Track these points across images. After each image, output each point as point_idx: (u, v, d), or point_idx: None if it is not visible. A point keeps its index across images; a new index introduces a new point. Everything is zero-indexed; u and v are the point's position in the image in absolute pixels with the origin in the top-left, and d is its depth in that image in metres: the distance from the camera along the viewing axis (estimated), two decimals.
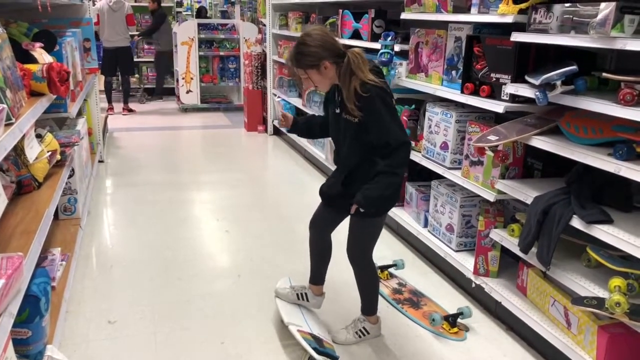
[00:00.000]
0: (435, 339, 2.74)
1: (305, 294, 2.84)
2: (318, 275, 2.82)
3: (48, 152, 2.73)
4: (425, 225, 3.55)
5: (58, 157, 2.89)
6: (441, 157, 3.25)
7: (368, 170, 2.32)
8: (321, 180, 5.29)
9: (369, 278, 2.67)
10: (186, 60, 8.62)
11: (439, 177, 3.36)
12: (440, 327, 2.78)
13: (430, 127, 3.36)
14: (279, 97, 6.82)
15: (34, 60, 2.73)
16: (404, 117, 3.62)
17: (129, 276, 3.29)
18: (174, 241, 3.76)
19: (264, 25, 7.26)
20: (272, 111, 7.18)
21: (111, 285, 3.19)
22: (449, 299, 3.08)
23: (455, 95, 3.08)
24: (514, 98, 2.66)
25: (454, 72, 3.17)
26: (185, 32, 8.58)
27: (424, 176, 3.75)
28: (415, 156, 3.55)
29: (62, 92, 2.53)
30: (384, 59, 3.60)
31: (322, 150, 5.43)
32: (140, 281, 3.20)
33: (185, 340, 2.65)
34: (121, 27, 8.18)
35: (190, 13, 9.83)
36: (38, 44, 2.83)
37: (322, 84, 2.36)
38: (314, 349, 2.41)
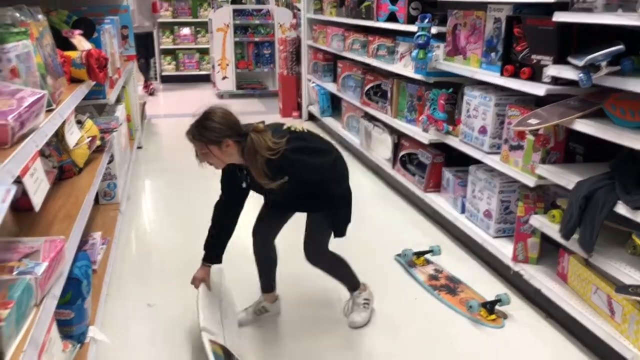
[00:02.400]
0: (472, 325, 2.70)
1: (263, 307, 2.76)
2: (268, 283, 2.77)
3: (88, 138, 2.78)
4: (463, 211, 3.50)
5: (98, 142, 2.95)
6: (479, 142, 3.19)
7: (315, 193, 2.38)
8: (356, 166, 5.29)
9: (337, 267, 2.69)
10: (222, 46, 8.66)
11: (476, 162, 3.30)
12: (477, 314, 2.74)
13: (468, 111, 3.29)
14: (313, 82, 6.80)
15: (73, 48, 2.77)
16: (441, 101, 3.55)
17: (167, 261, 3.34)
18: None
19: (299, 10, 7.22)
20: (307, 97, 7.17)
21: (150, 270, 3.25)
22: (487, 286, 3.03)
23: (494, 77, 3.00)
24: (555, 80, 2.58)
25: (493, 54, 3.08)
26: (220, 18, 8.61)
27: (461, 161, 3.69)
28: (452, 141, 3.49)
29: (101, 78, 2.57)
30: (420, 42, 3.54)
31: (357, 135, 5.39)
32: (178, 266, 3.24)
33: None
34: (147, 13, 8.67)
35: None
36: (77, 31, 2.88)
37: (220, 160, 2.27)
38: None
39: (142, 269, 3.27)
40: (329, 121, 6.38)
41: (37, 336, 1.45)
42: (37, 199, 1.53)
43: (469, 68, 3.30)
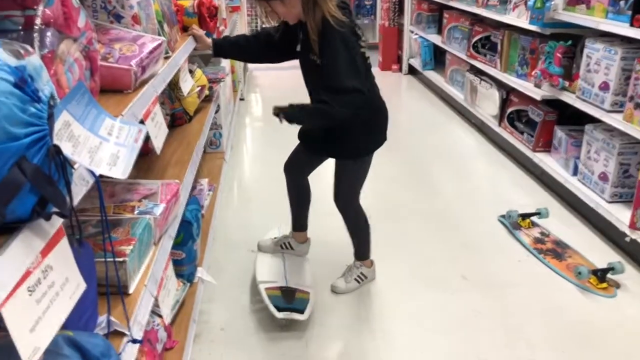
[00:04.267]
0: (580, 293, 2.57)
1: (289, 242, 2.78)
2: (299, 221, 2.73)
3: (198, 87, 2.86)
4: (575, 173, 3.29)
5: (206, 92, 3.02)
6: (600, 99, 2.95)
7: None
8: (458, 122, 5.12)
9: (358, 224, 2.57)
10: None
11: (593, 120, 3.07)
12: (586, 281, 2.59)
13: (588, 65, 3.04)
14: (416, 34, 6.58)
15: None
16: (558, 54, 3.31)
17: (267, 208, 3.43)
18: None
19: None
20: (408, 49, 6.96)
21: (251, 216, 3.36)
22: (598, 253, 2.86)
23: (622, 29, 2.74)
24: None
25: (622, 3, 2.80)
26: None
27: (575, 120, 3.45)
28: (568, 97, 3.26)
29: (211, 27, 2.61)
30: None
31: (461, 90, 5.19)
32: (278, 214, 3.31)
33: (315, 273, 2.72)
34: None
35: None
36: None
37: (288, 16, 2.14)
38: (276, 306, 2.36)
39: (244, 215, 3.38)
40: (431, 75, 6.17)
41: (156, 272, 1.54)
42: (157, 143, 1.59)
43: (592, 18, 3.03)
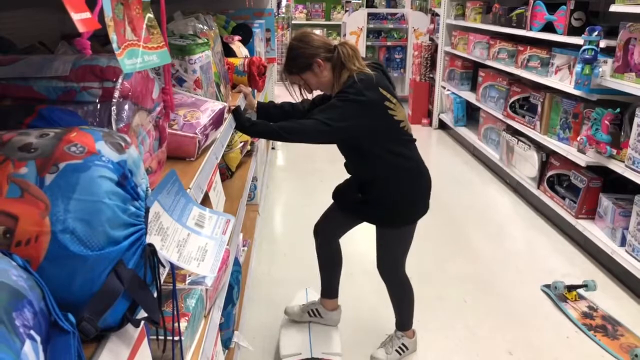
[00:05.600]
0: None
1: (317, 310, 2.64)
2: (329, 287, 2.61)
3: (240, 142, 2.83)
4: (623, 244, 3.16)
5: (248, 147, 3.00)
6: None
7: (379, 173, 2.17)
8: (494, 182, 5.03)
9: (402, 293, 2.45)
10: None
11: None
12: None
13: (639, 134, 2.97)
14: (448, 90, 6.58)
15: (232, 54, 2.83)
16: (606, 121, 3.24)
17: (302, 264, 3.33)
18: None
19: (437, 15, 7.02)
20: (439, 104, 6.96)
21: (285, 274, 3.27)
22: None
23: None
24: None
25: None
26: (354, 22, 8.62)
27: (619, 187, 3.35)
28: (616, 166, 3.17)
29: (260, 86, 2.59)
30: (587, 56, 3.25)
31: (496, 149, 5.12)
32: (314, 271, 3.23)
33: (346, 340, 2.62)
34: None
35: (360, 2, 9.83)
36: (237, 37, 2.93)
37: (320, 86, 2.17)
38: None
39: (277, 272, 3.29)
40: (463, 131, 6.13)
41: (207, 349, 1.45)
42: None
43: None
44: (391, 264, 2.40)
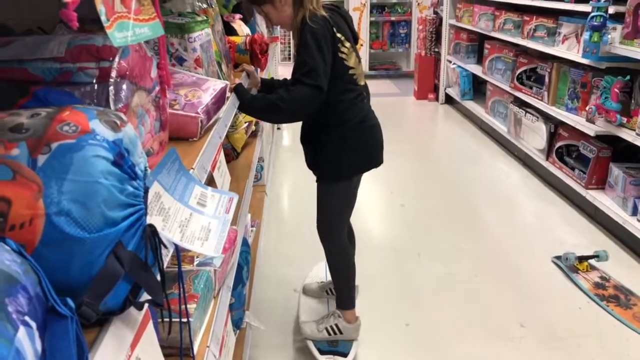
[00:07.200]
0: None
1: (332, 288, 2.54)
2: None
3: (245, 122, 2.80)
4: (634, 213, 3.13)
5: (253, 127, 2.97)
6: None
7: (320, 120, 2.09)
8: (501, 154, 4.98)
9: (338, 263, 2.31)
10: (357, 26, 8.55)
11: None
12: None
13: None
14: (454, 63, 6.50)
15: (234, 32, 2.78)
16: (615, 89, 3.18)
17: (310, 245, 3.32)
18: None
19: None
20: (445, 79, 6.88)
21: (294, 252, 3.26)
22: None
23: None
24: None
25: None
26: None
27: (631, 157, 3.30)
28: (626, 134, 3.12)
29: (262, 64, 2.55)
30: (595, 23, 3.18)
31: (503, 122, 5.06)
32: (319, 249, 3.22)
33: (369, 320, 2.61)
34: None
35: None
36: (238, 16, 2.88)
37: (280, 21, 2.08)
38: (318, 349, 2.32)
39: (286, 251, 3.29)
40: (470, 105, 6.06)
41: (217, 330, 1.44)
42: None
43: None
44: (327, 225, 2.30)
